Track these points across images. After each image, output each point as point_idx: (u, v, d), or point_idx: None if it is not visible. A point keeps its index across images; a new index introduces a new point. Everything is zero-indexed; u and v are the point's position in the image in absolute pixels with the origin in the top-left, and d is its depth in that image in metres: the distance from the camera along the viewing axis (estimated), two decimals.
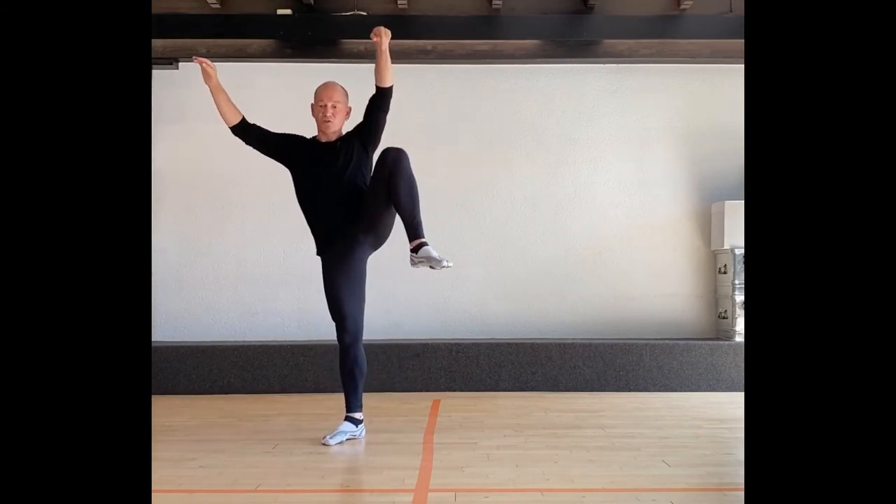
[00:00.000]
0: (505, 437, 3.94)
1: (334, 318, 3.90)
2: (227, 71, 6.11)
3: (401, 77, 6.20)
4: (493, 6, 5.60)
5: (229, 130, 4.03)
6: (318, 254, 4.00)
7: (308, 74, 6.18)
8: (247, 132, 4.03)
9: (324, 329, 6.08)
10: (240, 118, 4.01)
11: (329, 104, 3.87)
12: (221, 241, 6.13)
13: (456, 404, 5.01)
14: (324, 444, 3.71)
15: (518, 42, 5.82)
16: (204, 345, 5.70)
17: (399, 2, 5.62)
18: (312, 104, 3.98)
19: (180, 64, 6.08)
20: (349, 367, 3.89)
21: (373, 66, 6.03)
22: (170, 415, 4.62)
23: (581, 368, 5.57)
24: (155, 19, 5.06)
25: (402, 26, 5.47)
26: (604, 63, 6.10)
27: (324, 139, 3.94)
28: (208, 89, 3.91)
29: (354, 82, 6.14)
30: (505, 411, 4.60)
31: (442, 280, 6.07)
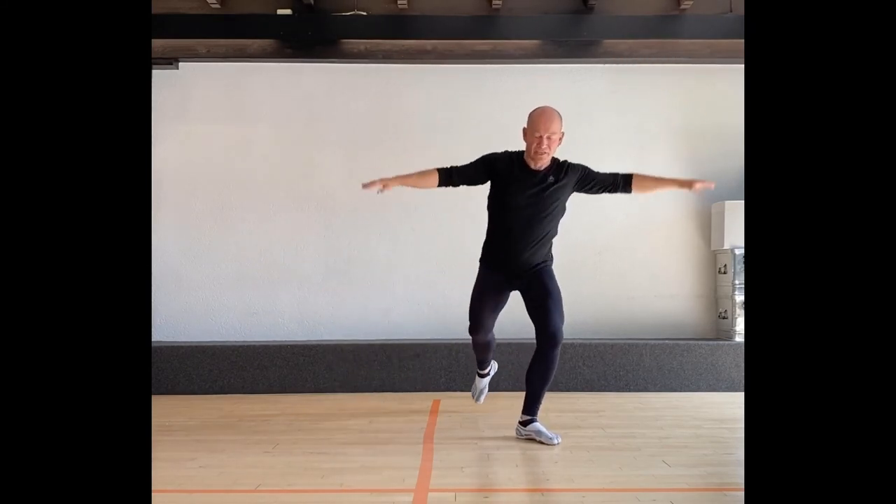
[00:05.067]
0: (505, 438, 3.94)
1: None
2: (227, 71, 6.16)
3: (401, 77, 6.24)
4: (493, 6, 5.60)
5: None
6: (482, 262, 4.08)
7: (308, 74, 6.22)
8: (451, 180, 3.91)
9: (323, 329, 6.10)
10: (437, 177, 3.88)
11: (545, 135, 3.70)
12: (221, 241, 6.13)
13: (456, 404, 5.02)
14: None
15: (518, 42, 5.82)
16: (204, 345, 5.69)
17: (399, 2, 5.62)
18: (525, 129, 3.80)
19: (180, 64, 6.09)
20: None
21: (371, 65, 6.07)
22: (170, 415, 4.62)
23: (581, 368, 5.57)
24: (155, 19, 5.06)
25: (402, 26, 5.49)
26: (604, 63, 6.10)
27: (533, 166, 3.80)
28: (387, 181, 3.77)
29: (354, 82, 6.20)
30: (505, 411, 4.59)
31: (442, 280, 6.08)
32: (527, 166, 3.81)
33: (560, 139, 3.78)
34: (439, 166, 3.90)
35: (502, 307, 4.10)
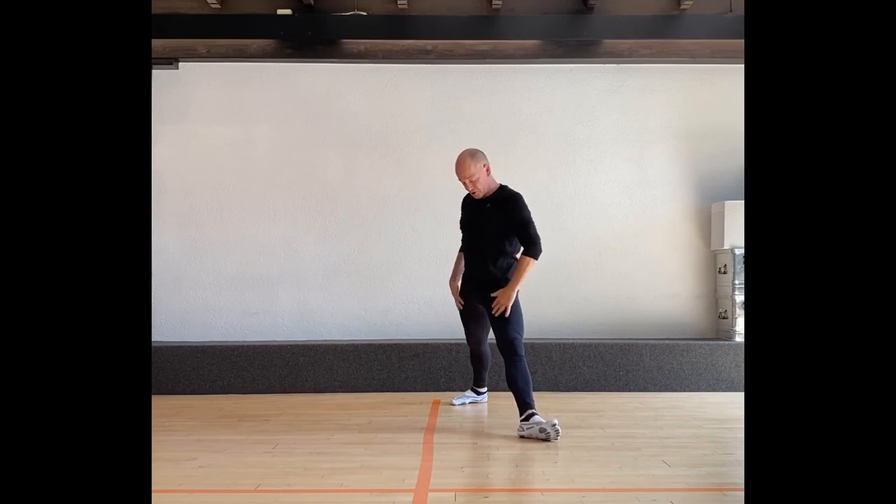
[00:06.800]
0: (505, 437, 3.94)
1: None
2: (227, 71, 6.16)
3: (401, 77, 6.24)
4: (493, 6, 5.60)
5: None
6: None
7: (308, 74, 6.22)
8: None
9: (323, 329, 6.10)
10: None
11: (467, 181, 4.27)
12: (221, 241, 6.13)
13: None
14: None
15: (518, 42, 5.82)
16: (204, 345, 5.70)
17: (399, 2, 5.62)
18: None
19: (180, 64, 6.09)
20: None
21: (371, 65, 6.07)
22: (170, 415, 4.62)
23: (581, 368, 5.57)
24: (155, 19, 5.06)
25: (402, 26, 5.48)
26: (604, 63, 6.10)
27: (477, 197, 4.40)
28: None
29: (354, 82, 6.20)
30: (505, 411, 4.59)
31: (442, 280, 6.08)
32: (475, 199, 4.45)
33: (487, 171, 4.28)
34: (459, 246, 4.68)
35: (485, 321, 4.53)
